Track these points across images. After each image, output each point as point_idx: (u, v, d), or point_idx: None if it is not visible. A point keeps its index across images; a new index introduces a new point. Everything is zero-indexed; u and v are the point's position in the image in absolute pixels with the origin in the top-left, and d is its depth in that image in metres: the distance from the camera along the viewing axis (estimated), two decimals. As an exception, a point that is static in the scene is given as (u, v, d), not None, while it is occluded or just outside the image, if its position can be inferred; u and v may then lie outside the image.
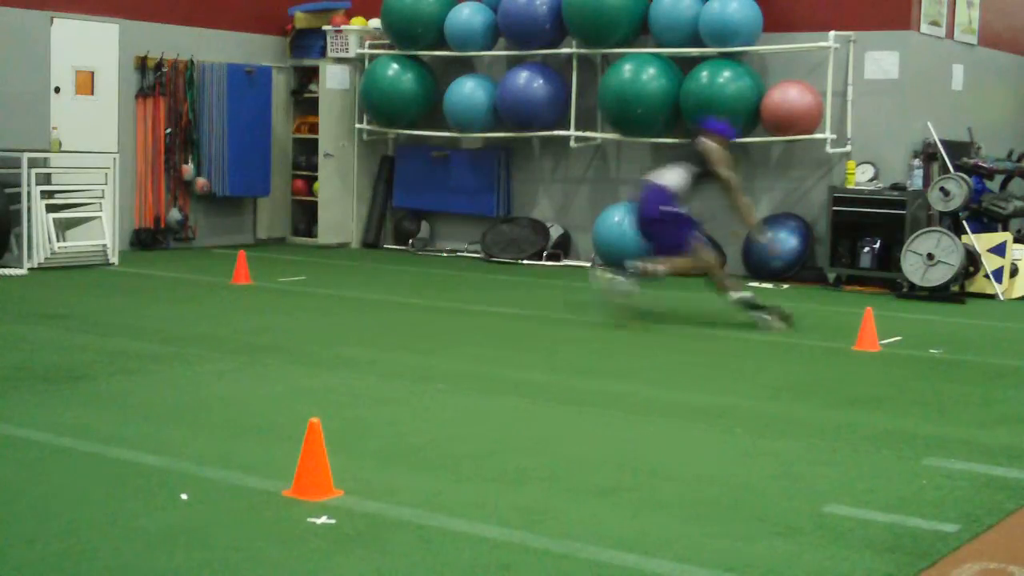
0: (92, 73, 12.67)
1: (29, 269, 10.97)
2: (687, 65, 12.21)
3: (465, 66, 13.66)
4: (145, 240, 13.12)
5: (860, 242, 11.29)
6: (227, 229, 14.05)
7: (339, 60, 14.13)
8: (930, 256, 10.63)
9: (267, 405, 6.00)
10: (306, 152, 14.51)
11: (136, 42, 12.99)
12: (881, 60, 11.75)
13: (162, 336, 7.83)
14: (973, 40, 12.78)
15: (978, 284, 11.07)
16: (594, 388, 6.62)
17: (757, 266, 11.91)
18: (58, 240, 11.33)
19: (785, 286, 11.55)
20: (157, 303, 9.44)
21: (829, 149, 11.75)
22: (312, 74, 14.43)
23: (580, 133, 12.81)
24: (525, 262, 12.96)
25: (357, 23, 14.11)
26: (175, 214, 13.35)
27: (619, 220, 12.31)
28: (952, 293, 10.71)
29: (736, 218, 9.84)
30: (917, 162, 11.54)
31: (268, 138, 13.90)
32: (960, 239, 10.79)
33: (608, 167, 13.24)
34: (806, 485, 4.81)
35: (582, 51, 12.76)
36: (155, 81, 13.15)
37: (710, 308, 10.05)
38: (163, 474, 4.70)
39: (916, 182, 11.44)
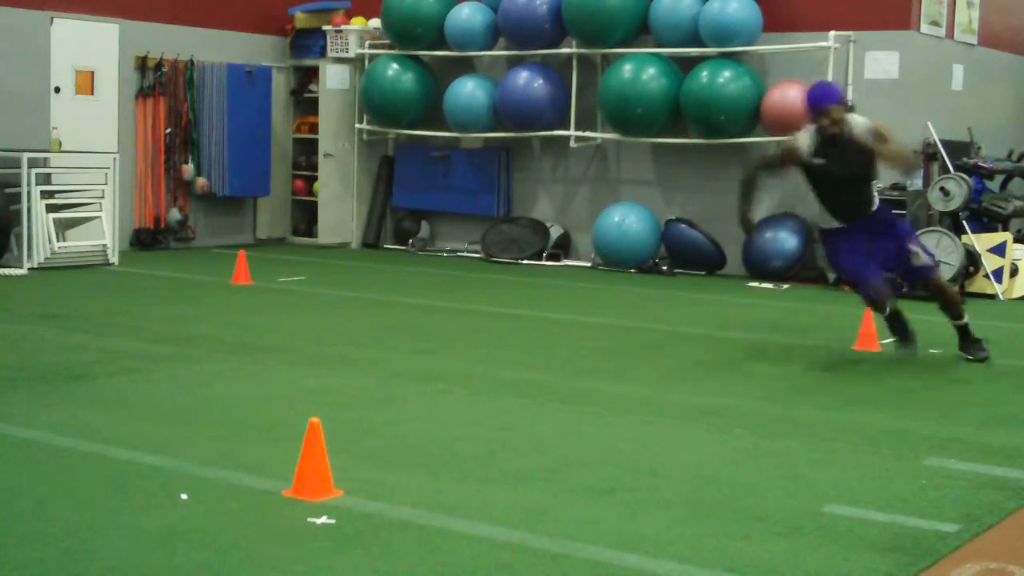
0: (92, 73, 12.67)
1: (29, 269, 10.97)
2: (687, 65, 12.21)
3: (465, 66, 13.67)
4: (145, 240, 13.12)
5: (860, 242, 11.29)
6: (227, 229, 14.05)
7: (339, 60, 14.13)
8: (930, 256, 10.63)
9: (267, 405, 6.00)
10: (306, 152, 14.51)
11: (136, 42, 12.99)
12: (881, 60, 11.75)
13: (162, 336, 7.83)
14: (973, 40, 12.78)
15: (978, 284, 11.07)
16: (594, 388, 6.62)
17: (757, 266, 11.91)
18: (58, 240, 11.33)
19: (785, 286, 11.55)
20: (157, 303, 9.44)
21: (829, 149, 11.75)
22: (312, 74, 14.43)
23: (580, 133, 12.82)
24: (525, 262, 12.96)
25: (357, 23, 14.11)
26: (175, 214, 13.35)
27: (619, 220, 12.32)
28: (952, 293, 10.71)
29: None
30: (917, 162, 11.55)
31: (268, 138, 13.90)
32: (960, 239, 10.79)
33: (608, 167, 13.24)
34: (806, 485, 4.81)
35: (582, 51, 12.76)
36: (155, 81, 13.15)
37: (721, 311, 10.06)
38: (163, 474, 4.70)
39: (916, 182, 11.44)
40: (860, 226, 7.43)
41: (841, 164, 7.30)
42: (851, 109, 7.39)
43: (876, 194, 7.58)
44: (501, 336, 8.42)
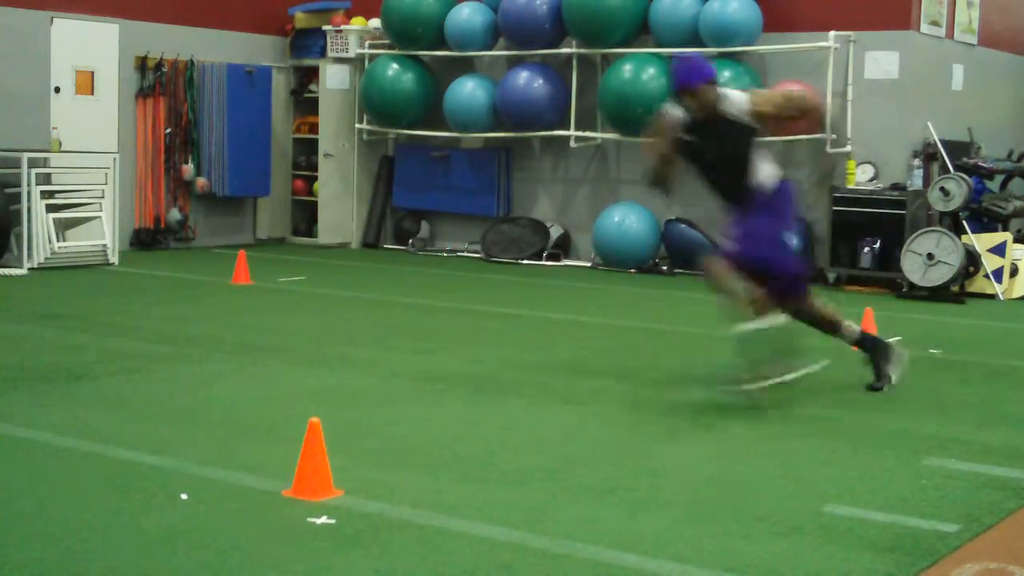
0: (92, 73, 12.67)
1: (29, 269, 10.97)
2: (687, 65, 12.20)
3: (465, 66, 13.66)
4: (145, 240, 13.12)
5: (860, 242, 11.29)
6: (227, 229, 14.05)
7: (339, 60, 14.13)
8: (930, 256, 10.63)
9: (267, 405, 5.99)
10: (306, 152, 14.51)
11: (136, 42, 12.99)
12: (881, 60, 11.75)
13: (162, 336, 7.83)
14: (973, 40, 12.78)
15: (978, 284, 11.07)
16: (594, 388, 6.62)
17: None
18: (58, 240, 11.33)
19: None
20: (157, 303, 9.44)
21: (829, 149, 11.75)
22: (312, 74, 14.43)
23: (580, 133, 12.81)
24: (525, 262, 12.97)
25: (357, 23, 14.11)
26: (175, 214, 13.35)
27: (619, 220, 12.32)
28: (952, 293, 10.71)
29: None
30: (917, 162, 11.55)
31: (268, 138, 13.90)
32: (960, 239, 10.79)
33: (608, 167, 13.24)
34: (806, 485, 4.81)
35: (582, 51, 12.76)
36: (155, 81, 13.15)
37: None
38: (163, 474, 4.70)
39: (916, 182, 11.44)
40: (746, 209, 6.47)
41: (710, 145, 6.31)
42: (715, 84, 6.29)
43: (765, 176, 6.48)
44: (501, 336, 8.42)
